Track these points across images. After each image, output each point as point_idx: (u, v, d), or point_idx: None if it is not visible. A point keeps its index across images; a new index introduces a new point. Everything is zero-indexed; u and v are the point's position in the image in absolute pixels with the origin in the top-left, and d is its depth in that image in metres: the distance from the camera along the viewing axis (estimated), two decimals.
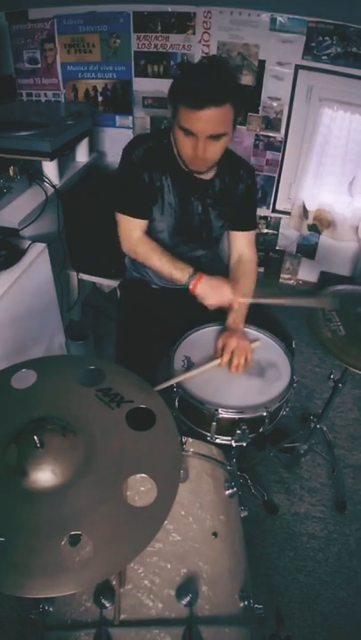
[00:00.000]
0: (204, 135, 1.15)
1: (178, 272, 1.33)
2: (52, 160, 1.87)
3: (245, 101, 1.12)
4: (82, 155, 2.30)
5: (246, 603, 0.96)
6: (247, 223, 1.48)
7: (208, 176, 1.36)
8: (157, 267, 1.37)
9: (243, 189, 1.42)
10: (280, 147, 2.45)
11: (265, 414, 1.16)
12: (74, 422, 0.79)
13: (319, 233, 2.64)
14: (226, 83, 1.13)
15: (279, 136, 2.42)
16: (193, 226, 1.42)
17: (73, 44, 2.38)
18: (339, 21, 2.04)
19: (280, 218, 2.72)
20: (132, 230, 1.38)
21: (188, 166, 1.27)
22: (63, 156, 2.05)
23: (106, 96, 2.52)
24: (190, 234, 1.44)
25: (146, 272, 1.56)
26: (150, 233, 1.41)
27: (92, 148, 2.44)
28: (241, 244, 1.49)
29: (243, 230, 1.48)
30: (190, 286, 1.31)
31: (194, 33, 2.25)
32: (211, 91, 1.10)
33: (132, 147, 1.32)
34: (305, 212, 2.57)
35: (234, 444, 1.20)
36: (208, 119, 1.12)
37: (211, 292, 1.29)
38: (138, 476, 0.73)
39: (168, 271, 1.35)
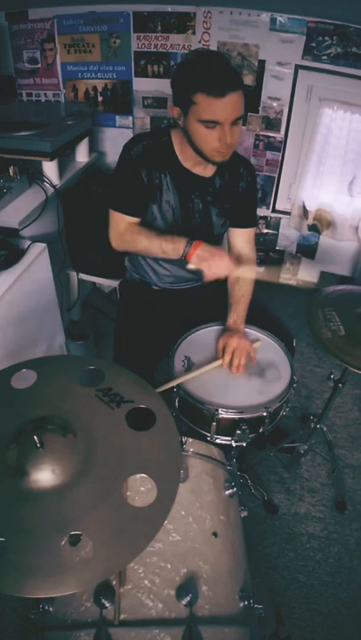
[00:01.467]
0: (229, 121, 1.16)
1: (170, 244, 1.26)
2: (52, 160, 1.87)
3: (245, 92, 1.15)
4: (82, 155, 2.30)
5: (246, 603, 0.96)
6: (247, 220, 1.48)
7: (208, 173, 1.36)
8: (148, 247, 1.31)
9: (243, 187, 1.42)
10: (280, 147, 2.45)
11: (265, 414, 1.16)
12: (74, 422, 0.79)
13: (319, 233, 2.64)
14: (235, 68, 1.17)
15: (279, 136, 2.42)
16: (194, 224, 1.42)
17: (73, 44, 2.38)
18: (339, 21, 2.03)
19: (280, 218, 2.71)
20: (120, 225, 1.36)
21: (214, 160, 1.25)
22: (63, 155, 2.05)
23: (106, 96, 2.52)
24: (191, 232, 1.43)
25: (147, 273, 1.56)
26: None
27: (92, 148, 2.44)
28: (240, 242, 1.49)
29: (242, 227, 1.48)
30: (187, 255, 1.23)
31: (194, 33, 2.25)
32: (229, 76, 1.12)
33: (131, 144, 1.33)
34: (305, 211, 2.57)
35: (234, 444, 1.20)
36: (232, 104, 1.14)
37: (210, 257, 1.21)
38: (138, 476, 0.73)
39: (159, 246, 1.28)
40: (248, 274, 1.36)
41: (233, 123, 1.17)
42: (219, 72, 1.12)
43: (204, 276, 1.23)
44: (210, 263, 1.21)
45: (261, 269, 2.84)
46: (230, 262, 1.22)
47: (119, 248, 1.42)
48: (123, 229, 1.37)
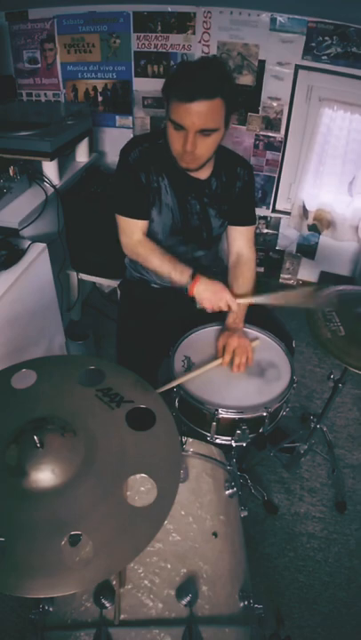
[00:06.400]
0: (194, 129, 1.14)
1: (177, 274, 1.32)
2: (52, 160, 1.87)
3: (239, 101, 1.09)
4: (82, 155, 2.30)
5: (246, 603, 0.96)
6: (245, 218, 1.48)
7: (204, 175, 1.36)
8: (157, 268, 1.36)
9: (240, 186, 1.42)
10: (280, 147, 2.45)
11: (265, 414, 1.15)
12: (74, 422, 0.79)
13: (319, 233, 2.64)
14: (219, 77, 1.13)
15: (279, 136, 2.42)
16: (192, 225, 1.42)
17: (73, 44, 2.38)
18: (339, 21, 2.04)
19: (280, 218, 2.72)
20: (132, 232, 1.38)
21: (180, 163, 1.26)
22: (63, 155, 2.05)
23: (106, 96, 2.52)
24: (190, 233, 1.44)
25: (146, 272, 1.56)
26: (149, 234, 1.41)
27: (92, 148, 2.44)
28: (239, 240, 1.49)
29: (240, 225, 1.48)
30: (188, 289, 1.30)
31: (194, 33, 2.25)
32: (202, 83, 1.10)
33: (128, 148, 1.33)
34: (305, 211, 2.57)
35: (234, 444, 1.20)
36: (198, 112, 1.11)
37: (208, 295, 1.29)
38: (138, 476, 0.73)
39: (167, 272, 1.34)
40: (249, 302, 1.39)
41: (201, 132, 1.15)
42: (192, 78, 1.12)
43: (206, 308, 1.30)
44: (210, 300, 1.28)
45: (261, 269, 2.85)
46: (229, 297, 1.28)
47: (130, 256, 1.44)
48: (136, 240, 1.38)
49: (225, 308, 1.30)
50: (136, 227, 1.37)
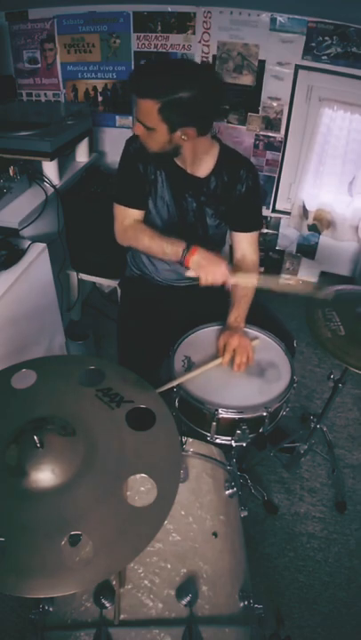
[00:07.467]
0: (136, 117, 1.21)
1: (170, 246, 1.27)
2: (52, 160, 1.87)
3: (186, 114, 1.08)
4: (82, 155, 2.30)
5: (246, 603, 0.96)
6: (248, 224, 1.47)
7: (203, 173, 1.36)
8: (148, 246, 1.33)
9: (242, 190, 1.39)
10: (280, 147, 2.45)
11: (265, 414, 1.16)
12: (74, 422, 0.79)
13: (319, 233, 2.64)
14: (159, 81, 1.13)
15: (279, 136, 2.42)
16: (187, 222, 1.42)
17: (73, 43, 2.38)
18: (339, 21, 2.03)
19: (280, 218, 2.71)
20: (124, 218, 1.38)
21: None
22: (63, 155, 2.05)
23: (106, 96, 2.52)
24: (185, 230, 1.43)
25: (146, 267, 1.56)
26: (148, 225, 1.41)
27: (92, 148, 2.44)
28: (243, 244, 1.48)
29: (244, 231, 1.47)
30: (184, 259, 1.25)
31: (194, 33, 2.25)
32: (136, 80, 1.16)
33: (131, 139, 1.35)
34: (305, 211, 2.57)
35: (234, 444, 1.20)
36: (139, 106, 1.18)
37: (206, 264, 1.22)
38: (138, 476, 0.73)
39: (160, 247, 1.30)
40: (247, 282, 1.37)
41: (141, 123, 1.20)
42: (137, 72, 1.18)
43: (200, 281, 1.24)
44: (206, 270, 1.22)
45: (261, 269, 2.84)
46: (227, 270, 1.23)
47: (122, 243, 1.43)
48: (127, 225, 1.38)
49: (219, 281, 1.23)
50: (130, 215, 1.38)
